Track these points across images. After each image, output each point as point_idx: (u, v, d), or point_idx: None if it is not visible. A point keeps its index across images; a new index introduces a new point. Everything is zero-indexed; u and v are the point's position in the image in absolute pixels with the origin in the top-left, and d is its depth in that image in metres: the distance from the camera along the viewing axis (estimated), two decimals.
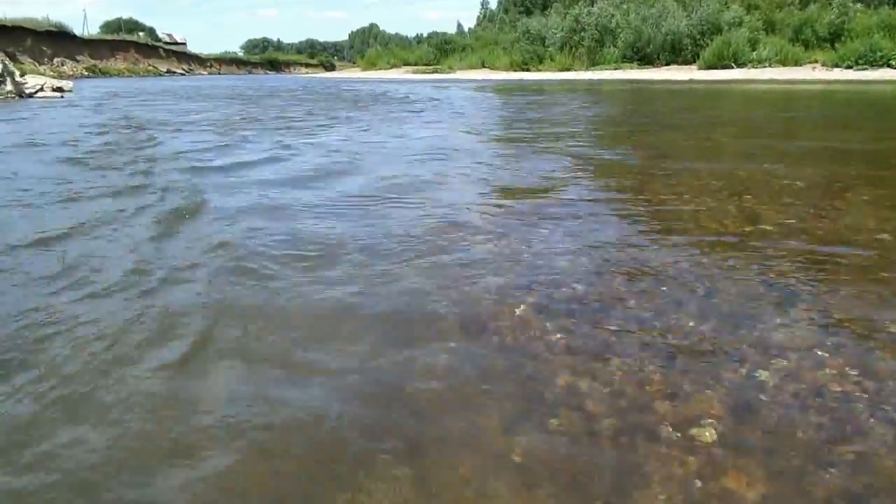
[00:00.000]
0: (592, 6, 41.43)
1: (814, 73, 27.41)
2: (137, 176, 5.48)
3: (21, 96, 19.36)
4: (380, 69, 59.88)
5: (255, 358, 2.09)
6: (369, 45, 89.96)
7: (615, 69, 36.08)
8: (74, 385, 1.91)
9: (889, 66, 25.83)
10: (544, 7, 52.42)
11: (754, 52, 31.24)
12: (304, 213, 4.01)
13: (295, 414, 1.77)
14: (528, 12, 54.11)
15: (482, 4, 70.34)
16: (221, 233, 3.52)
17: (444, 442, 1.65)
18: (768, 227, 3.45)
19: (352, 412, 1.78)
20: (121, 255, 3.15)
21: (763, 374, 1.91)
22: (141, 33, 74.93)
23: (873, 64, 26.22)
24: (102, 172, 5.69)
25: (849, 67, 26.84)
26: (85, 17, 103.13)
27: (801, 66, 29.42)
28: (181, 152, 6.99)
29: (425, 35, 79.48)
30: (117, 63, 62.20)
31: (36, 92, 20.24)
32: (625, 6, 39.71)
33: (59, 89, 21.87)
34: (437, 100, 17.20)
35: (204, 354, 2.11)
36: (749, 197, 4.25)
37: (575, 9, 41.85)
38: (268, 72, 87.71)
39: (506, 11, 60.78)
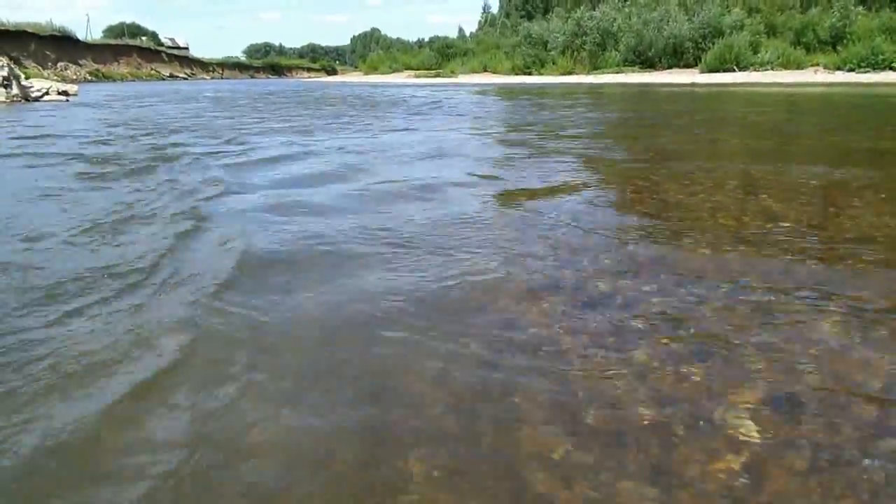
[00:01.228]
0: (594, 10, 41.55)
1: (816, 77, 27.47)
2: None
3: (27, 100, 19.45)
4: (382, 73, 60.09)
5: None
6: (371, 49, 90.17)
7: (617, 73, 36.17)
8: None
9: (891, 68, 25.88)
10: (546, 11, 52.59)
11: (756, 56, 31.31)
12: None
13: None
14: (530, 16, 54.27)
15: (484, 9, 70.63)
16: None
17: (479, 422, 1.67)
18: (787, 224, 3.49)
19: None
20: None
21: (801, 366, 1.93)
22: (144, 38, 75.34)
23: (875, 67, 26.28)
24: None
25: (851, 70, 26.90)
26: (88, 21, 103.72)
27: (802, 69, 29.48)
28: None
29: (427, 39, 79.70)
30: (120, 67, 62.49)
31: (42, 96, 20.33)
32: (627, 10, 39.84)
33: (65, 93, 21.97)
34: (454, 105, 17.17)
35: None
36: (765, 196, 4.29)
37: (577, 13, 41.98)
38: (270, 76, 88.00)
39: (507, 16, 60.96)
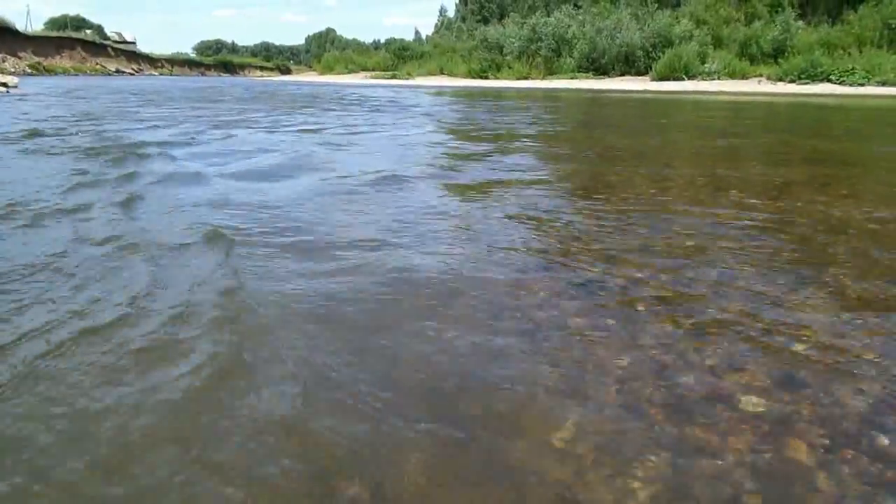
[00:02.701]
0: (549, 17, 42.26)
1: (759, 87, 28.66)
2: None
3: None
4: (337, 74, 59.58)
5: None
6: (326, 49, 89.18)
7: (571, 79, 36.89)
8: None
9: (829, 80, 27.22)
10: (501, 16, 53.22)
11: (704, 65, 32.45)
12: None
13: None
14: (486, 21, 54.85)
15: (440, 12, 70.97)
16: None
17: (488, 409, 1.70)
18: (765, 217, 3.66)
19: None
20: None
21: (797, 346, 2.03)
22: (88, 31, 72.57)
23: (814, 78, 27.60)
24: None
25: (792, 81, 28.19)
26: (28, 12, 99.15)
27: (747, 78, 30.73)
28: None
29: (383, 41, 79.46)
30: (62, 61, 60.08)
31: None
32: (580, 17, 40.70)
33: (4, 84, 21.01)
34: (415, 106, 17.19)
35: None
36: (735, 192, 4.48)
37: (532, 19, 42.62)
38: (221, 74, 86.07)
39: (463, 20, 61.44)
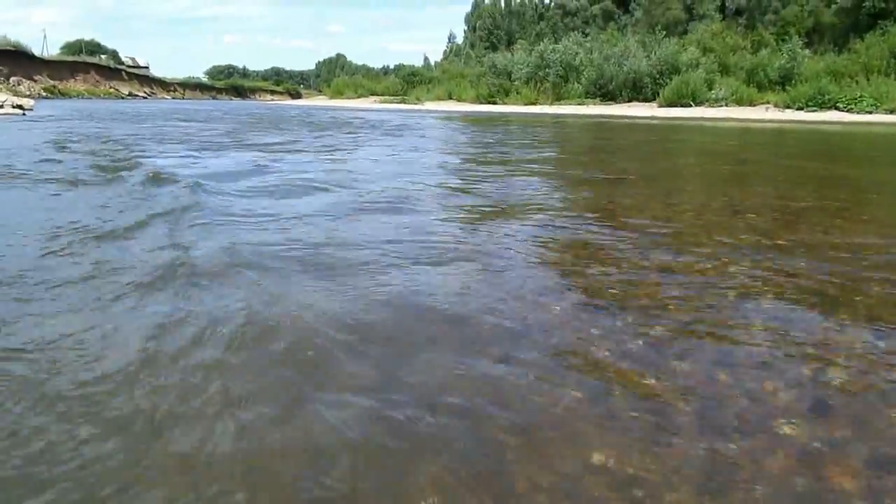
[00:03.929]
0: (557, 43, 42.71)
1: (766, 114, 28.73)
2: None
3: None
4: (347, 98, 60.18)
5: None
6: (336, 74, 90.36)
7: (579, 104, 37.11)
8: None
9: (836, 108, 27.27)
10: (509, 43, 53.86)
11: (711, 92, 32.60)
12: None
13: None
14: (494, 48, 55.51)
15: (449, 39, 71.94)
16: None
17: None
18: (782, 243, 3.64)
19: None
20: None
21: (831, 371, 2.01)
22: (103, 56, 73.82)
23: (822, 106, 27.66)
24: None
25: (799, 109, 28.24)
26: (45, 37, 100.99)
27: (755, 105, 30.82)
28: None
29: (391, 67, 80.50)
30: (77, 84, 61.05)
31: None
32: (588, 45, 41.10)
33: (20, 107, 21.36)
34: (424, 129, 17.35)
35: None
36: (752, 215, 4.48)
37: (540, 46, 43.07)
38: (232, 98, 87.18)
39: (472, 46, 62.24)
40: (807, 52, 32.34)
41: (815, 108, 27.65)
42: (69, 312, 2.39)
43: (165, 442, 1.58)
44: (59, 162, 7.22)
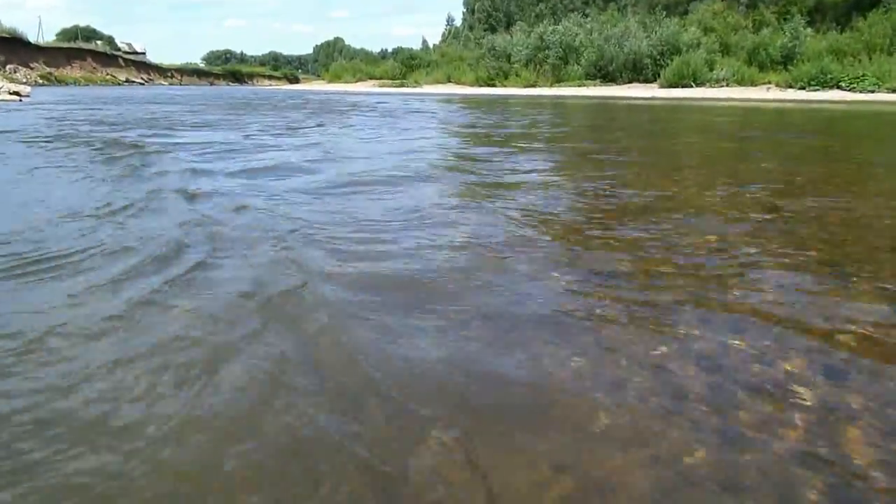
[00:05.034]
0: (557, 24, 42.31)
1: (768, 94, 28.51)
2: None
3: None
4: (345, 82, 59.75)
5: None
6: (334, 58, 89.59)
7: (579, 86, 36.85)
8: None
9: (839, 87, 27.04)
10: (508, 25, 53.36)
11: (712, 73, 32.32)
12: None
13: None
14: (493, 30, 54.99)
15: (447, 21, 71.25)
16: None
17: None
18: (788, 214, 3.59)
19: None
20: None
21: (843, 338, 1.96)
22: (99, 42, 73.21)
23: (824, 85, 27.43)
24: None
25: (801, 88, 28.01)
26: (40, 23, 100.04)
27: (756, 86, 30.57)
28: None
29: (390, 50, 79.85)
30: (73, 71, 60.58)
31: None
32: (588, 25, 40.71)
33: (17, 93, 21.22)
34: (425, 112, 17.23)
35: None
36: (756, 189, 4.41)
37: (539, 27, 42.67)
38: (230, 83, 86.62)
39: (471, 29, 61.67)
40: (809, 30, 32.00)
41: (817, 88, 27.43)
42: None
43: None
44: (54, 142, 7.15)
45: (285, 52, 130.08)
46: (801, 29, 31.64)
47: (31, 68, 53.40)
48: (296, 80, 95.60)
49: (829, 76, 27.59)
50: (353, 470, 1.33)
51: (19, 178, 4.87)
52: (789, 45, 31.16)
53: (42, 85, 47.34)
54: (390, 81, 52.23)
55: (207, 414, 1.53)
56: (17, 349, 1.83)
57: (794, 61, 30.27)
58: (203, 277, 2.44)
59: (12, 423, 1.48)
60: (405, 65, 56.99)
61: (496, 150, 7.21)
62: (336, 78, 64.43)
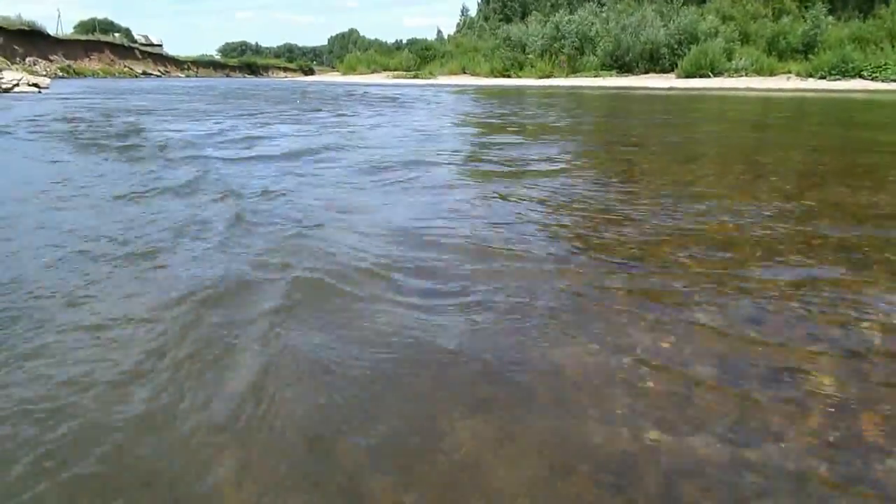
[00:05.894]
0: (573, 14, 41.90)
1: (788, 83, 28.05)
2: None
3: None
4: (360, 74, 59.73)
5: None
6: (349, 50, 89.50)
7: (595, 77, 36.52)
8: None
9: (861, 76, 26.55)
10: (524, 14, 52.90)
11: (731, 62, 31.87)
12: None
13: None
14: (508, 20, 54.54)
15: (462, 12, 70.77)
16: None
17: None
18: (809, 203, 3.54)
19: None
20: None
21: (862, 327, 1.94)
22: (116, 34, 73.75)
23: (846, 74, 26.93)
24: None
25: (822, 78, 27.53)
26: (59, 16, 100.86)
27: (775, 75, 30.10)
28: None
29: (405, 41, 79.52)
30: (91, 63, 61.11)
31: (13, 87, 19.82)
32: (604, 15, 40.26)
33: (36, 85, 21.45)
34: (440, 103, 17.18)
35: None
36: (775, 179, 4.36)
37: (555, 17, 42.27)
38: (245, 75, 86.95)
39: (486, 19, 61.18)
40: (830, 18, 31.40)
41: (838, 77, 26.95)
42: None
43: None
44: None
45: (300, 44, 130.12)
46: (823, 17, 31.05)
47: (51, 61, 53.94)
48: (311, 72, 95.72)
49: (850, 65, 27.08)
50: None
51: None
52: (810, 33, 30.61)
53: (61, 77, 47.82)
54: (404, 73, 52.11)
55: None
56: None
57: (815, 50, 29.74)
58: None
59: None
60: (419, 56, 56.77)
61: (513, 139, 7.18)
62: (350, 69, 64.41)
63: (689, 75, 32.22)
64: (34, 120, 8.94)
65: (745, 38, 33.95)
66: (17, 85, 20.35)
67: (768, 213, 3.28)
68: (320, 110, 12.72)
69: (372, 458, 1.34)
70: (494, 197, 3.81)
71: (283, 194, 3.82)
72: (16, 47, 49.71)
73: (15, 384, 1.59)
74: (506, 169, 4.90)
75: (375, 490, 1.25)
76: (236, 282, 2.28)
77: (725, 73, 31.31)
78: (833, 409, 1.51)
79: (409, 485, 1.26)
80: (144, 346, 1.79)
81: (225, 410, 1.49)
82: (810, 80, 27.91)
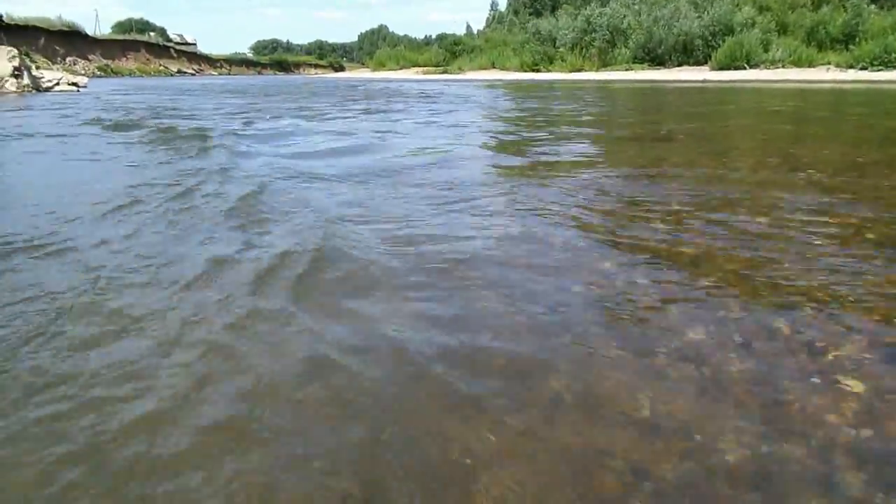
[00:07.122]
0: (604, 7, 41.35)
1: (827, 74, 27.24)
2: None
3: (38, 90, 19.50)
4: (390, 70, 59.98)
5: None
6: (378, 46, 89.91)
7: (627, 70, 36.00)
8: None
9: None
10: (554, 8, 52.39)
11: (767, 53, 31.08)
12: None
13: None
14: (538, 13, 54.09)
15: (491, 6, 70.45)
16: None
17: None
18: (846, 196, 3.44)
19: None
20: None
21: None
22: (152, 33, 75.31)
23: (888, 65, 26.03)
24: None
25: (863, 69, 26.65)
26: (97, 16, 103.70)
27: (814, 67, 29.26)
28: None
29: (434, 37, 79.54)
30: (128, 63, 62.53)
31: (53, 86, 20.40)
32: (636, 7, 39.60)
33: (75, 84, 22.04)
34: (473, 98, 17.18)
35: None
36: (812, 171, 4.24)
37: (586, 10, 41.78)
38: (277, 73, 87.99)
39: (515, 13, 60.77)
40: (872, 7, 30.37)
41: (880, 68, 26.06)
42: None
43: None
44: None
45: (330, 41, 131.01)
46: (865, 6, 30.06)
47: (89, 60, 55.38)
48: (341, 69, 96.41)
49: (893, 55, 26.17)
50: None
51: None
52: (851, 22, 29.67)
53: (99, 76, 49.08)
54: (434, 68, 52.14)
55: None
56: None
57: (857, 40, 28.81)
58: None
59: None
60: (449, 51, 56.74)
61: (542, 133, 7.12)
62: (380, 66, 64.74)
63: (723, 67, 31.54)
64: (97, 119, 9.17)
65: (783, 29, 33.07)
66: (58, 84, 20.93)
67: (802, 207, 3.18)
68: (386, 110, 12.79)
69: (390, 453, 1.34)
70: (522, 187, 3.78)
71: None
72: (56, 48, 51.14)
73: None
74: (535, 161, 4.85)
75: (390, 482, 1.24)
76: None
77: (762, 65, 30.55)
78: (864, 410, 1.46)
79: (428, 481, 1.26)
80: None
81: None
82: (850, 71, 27.06)
